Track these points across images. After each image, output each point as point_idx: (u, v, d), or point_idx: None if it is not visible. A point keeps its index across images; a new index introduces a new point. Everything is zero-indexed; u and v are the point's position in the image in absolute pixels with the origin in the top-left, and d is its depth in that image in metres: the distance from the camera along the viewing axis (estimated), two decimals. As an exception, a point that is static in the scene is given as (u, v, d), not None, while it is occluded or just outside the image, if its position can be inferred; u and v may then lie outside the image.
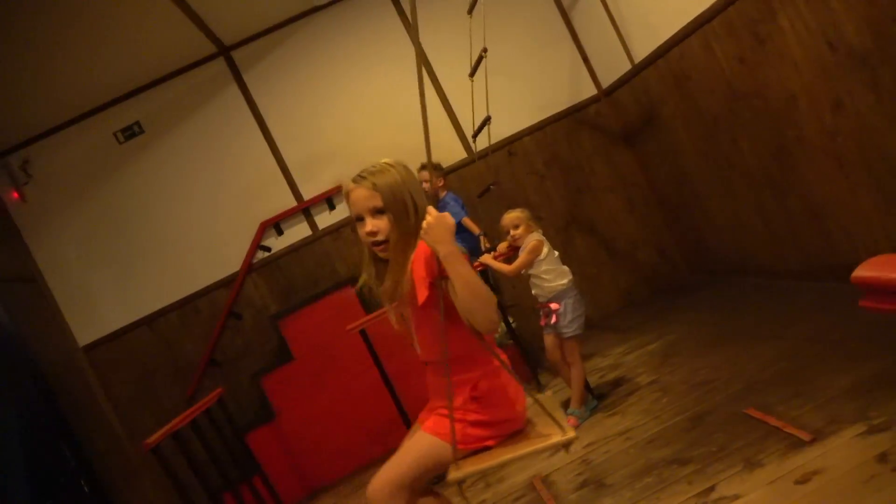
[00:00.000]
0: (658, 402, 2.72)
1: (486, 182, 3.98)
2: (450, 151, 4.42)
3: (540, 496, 2.39)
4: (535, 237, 2.87)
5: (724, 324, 3.30)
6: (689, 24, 3.20)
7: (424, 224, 1.43)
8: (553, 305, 2.86)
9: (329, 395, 3.84)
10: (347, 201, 1.59)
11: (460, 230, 3.89)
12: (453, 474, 1.53)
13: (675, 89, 3.61)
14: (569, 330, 2.84)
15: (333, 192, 4.33)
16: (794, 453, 1.89)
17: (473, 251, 3.73)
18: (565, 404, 2.97)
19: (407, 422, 3.06)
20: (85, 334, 4.17)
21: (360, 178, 1.55)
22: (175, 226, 4.28)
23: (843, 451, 1.80)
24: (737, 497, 1.81)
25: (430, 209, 1.46)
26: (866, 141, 2.49)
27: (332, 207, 4.36)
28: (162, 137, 4.28)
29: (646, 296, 4.49)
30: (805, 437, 1.94)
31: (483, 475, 2.85)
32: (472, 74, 3.47)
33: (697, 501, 1.89)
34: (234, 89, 4.31)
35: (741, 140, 3.27)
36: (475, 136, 3.63)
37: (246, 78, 4.32)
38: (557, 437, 1.52)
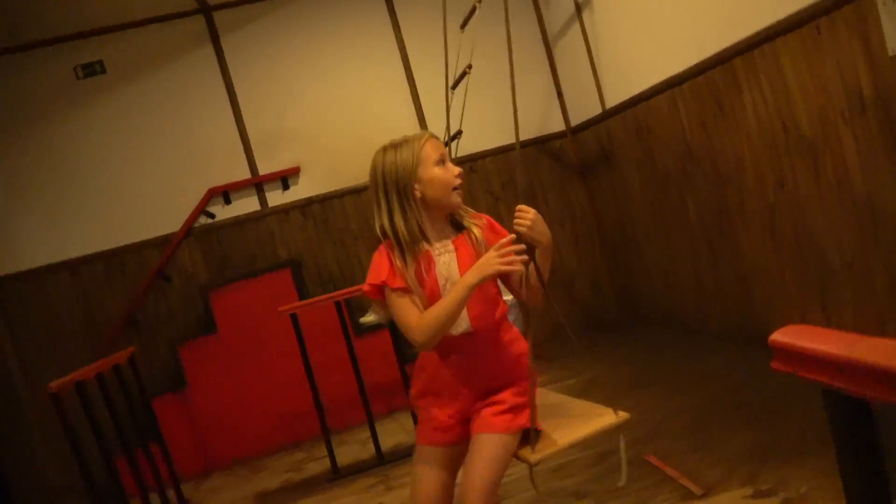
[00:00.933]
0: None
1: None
2: (412, 155, 4.44)
3: None
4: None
5: (642, 369, 3.43)
6: (660, 82, 3.33)
7: (529, 219, 1.47)
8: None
9: (246, 374, 3.77)
10: (421, 148, 1.50)
11: None
12: (535, 457, 1.46)
13: (637, 138, 3.75)
14: None
15: (290, 172, 4.28)
16: None
17: None
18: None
19: (322, 415, 3.03)
20: (-3, 266, 3.97)
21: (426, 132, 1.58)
22: (119, 174, 4.13)
23: (728, 507, 1.90)
24: (624, 536, 1.89)
25: (527, 208, 1.50)
26: (799, 221, 2.66)
27: (285, 187, 4.30)
28: (124, 82, 4.13)
29: (574, 329, 4.59)
30: (697, 490, 2.03)
31: (385, 477, 2.87)
32: (453, 87, 3.52)
33: (587, 534, 1.96)
34: (210, 51, 4.22)
35: (688, 198, 3.42)
36: (446, 145, 3.67)
37: (223, 41, 4.23)
38: (612, 418, 1.54)
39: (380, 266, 1.51)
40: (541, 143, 4.60)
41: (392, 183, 1.50)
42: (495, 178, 4.57)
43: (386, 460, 3.02)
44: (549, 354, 4.19)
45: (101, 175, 4.12)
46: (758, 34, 2.58)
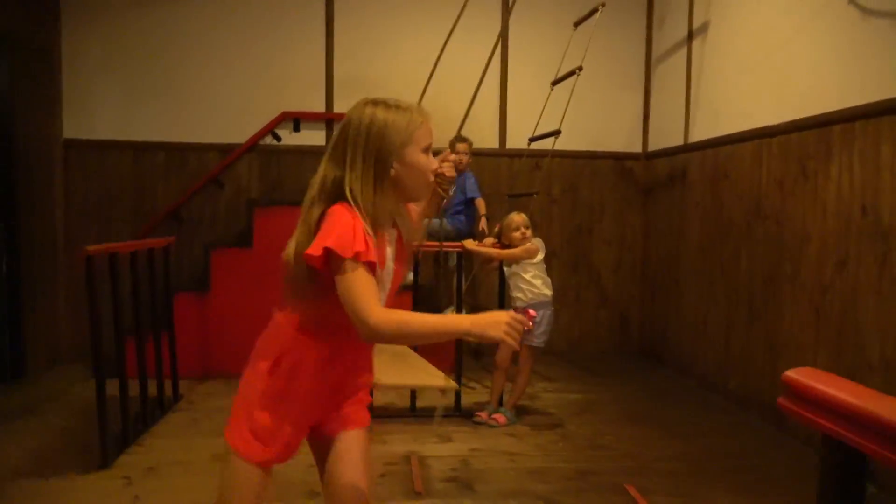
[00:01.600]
0: (555, 444, 2.79)
1: (503, 178, 4.02)
2: (482, 137, 4.42)
3: (410, 471, 2.44)
4: (538, 240, 3.06)
5: (646, 406, 3.38)
6: (750, 129, 3.24)
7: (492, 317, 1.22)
8: (531, 312, 2.93)
9: (265, 294, 3.83)
10: (418, 127, 1.32)
11: (467, 207, 3.95)
12: None
13: (710, 181, 3.66)
14: (538, 340, 2.99)
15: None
16: (649, 540, 1.97)
17: (465, 233, 3.78)
18: (479, 406, 3.08)
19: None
20: (72, 128, 4.12)
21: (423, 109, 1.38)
22: (202, 73, 4.23)
23: (693, 557, 1.87)
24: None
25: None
26: (850, 306, 2.57)
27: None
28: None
29: (591, 351, 4.55)
30: (665, 530, 2.01)
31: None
32: (554, 83, 3.50)
33: (546, 540, 1.96)
34: (319, -22, 4.27)
35: (743, 254, 3.34)
36: (535, 139, 3.66)
37: (336, -27, 4.27)
38: (441, 382, 1.59)
39: (354, 231, 1.23)
40: (613, 159, 4.53)
41: (374, 148, 1.28)
42: (557, 181, 4.53)
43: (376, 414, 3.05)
44: (557, 365, 4.17)
45: (185, 69, 4.23)
46: (866, 106, 2.48)
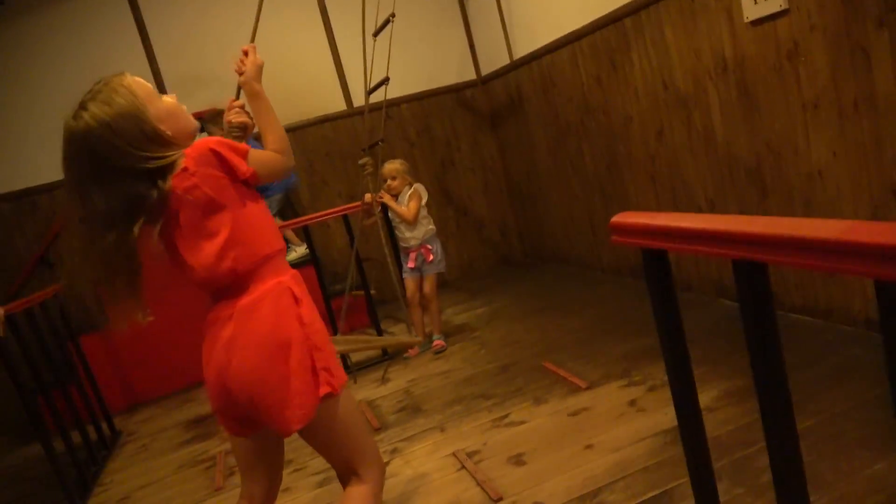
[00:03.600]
0: (477, 353, 3.17)
1: (359, 136, 4.22)
2: (331, 100, 4.58)
3: (364, 414, 2.73)
4: (420, 186, 3.32)
5: (541, 299, 3.85)
6: (562, 37, 3.66)
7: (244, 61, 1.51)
8: (428, 247, 3.29)
9: (169, 310, 3.87)
10: (133, 84, 1.32)
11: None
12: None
13: (541, 92, 4.09)
14: (437, 268, 3.35)
15: (206, 114, 4.31)
16: (573, 396, 2.40)
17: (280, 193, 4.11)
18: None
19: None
20: None
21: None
22: (25, 112, 4.02)
23: (607, 396, 2.32)
24: (523, 422, 2.28)
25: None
26: (674, 167, 3.09)
27: (202, 130, 4.33)
28: (25, 15, 3.98)
29: (483, 269, 4.99)
30: (582, 384, 2.45)
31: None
32: (375, 34, 3.67)
33: (493, 424, 2.33)
34: (117, -14, 4.13)
35: (585, 148, 3.81)
36: (370, 92, 3.84)
37: (132, -22, 4.15)
38: (408, 338, 1.84)
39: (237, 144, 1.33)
40: (454, 92, 4.85)
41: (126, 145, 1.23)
42: (411, 124, 4.79)
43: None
44: (459, 290, 4.57)
45: (1, 113, 4.00)
46: None
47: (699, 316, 2.89)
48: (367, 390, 3.02)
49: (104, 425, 3.29)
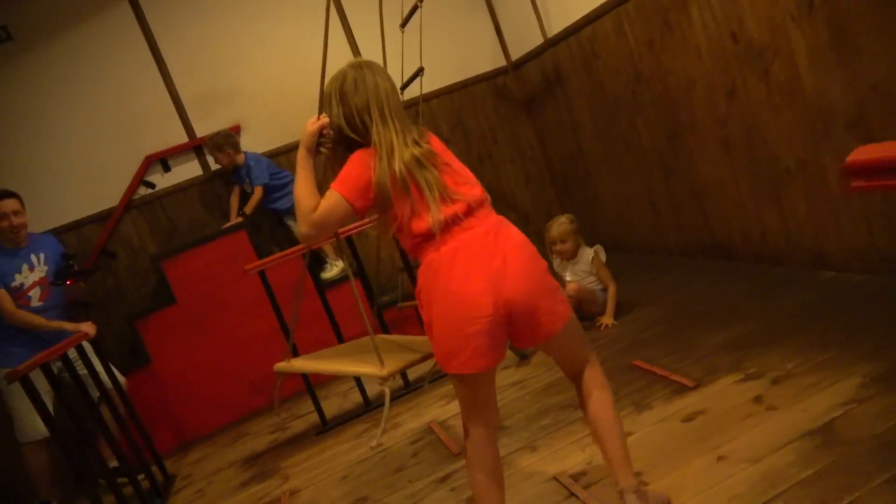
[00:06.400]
0: (547, 357, 2.86)
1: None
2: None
3: (438, 438, 2.44)
4: (599, 248, 3.13)
5: (608, 292, 3.52)
6: (603, 3, 3.35)
7: None
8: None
9: (211, 341, 3.65)
10: None
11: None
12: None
13: (583, 67, 3.78)
14: None
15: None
16: (679, 397, 2.08)
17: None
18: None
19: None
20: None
21: None
22: (44, 151, 3.85)
23: (723, 394, 2.00)
24: (629, 433, 1.96)
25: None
26: (752, 129, 2.76)
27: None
28: (34, 49, 3.81)
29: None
30: (689, 383, 2.13)
31: (377, 422, 2.87)
32: (402, 25, 3.42)
33: (592, 439, 2.02)
34: (126, 8, 3.93)
35: (639, 122, 3.49)
36: (405, 86, 3.58)
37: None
38: (373, 370, 1.85)
39: None
40: (483, 81, 4.57)
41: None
42: (442, 119, 4.52)
43: (373, 405, 3.02)
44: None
45: (21, 154, 3.83)
46: (703, -55, 2.61)
47: (799, 293, 2.55)
48: (435, 408, 2.74)
49: (155, 469, 3.06)
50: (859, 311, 2.20)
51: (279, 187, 3.93)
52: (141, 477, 2.87)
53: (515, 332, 1.44)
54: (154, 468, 3.03)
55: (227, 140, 3.83)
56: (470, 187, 1.48)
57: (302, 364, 2.20)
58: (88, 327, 3.03)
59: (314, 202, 1.46)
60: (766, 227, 2.89)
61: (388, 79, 1.51)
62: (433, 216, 1.41)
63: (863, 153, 0.67)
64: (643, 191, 3.71)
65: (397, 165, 1.41)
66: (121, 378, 3.16)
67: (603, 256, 3.08)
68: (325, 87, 1.56)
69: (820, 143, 2.47)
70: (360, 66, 1.51)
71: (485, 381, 1.47)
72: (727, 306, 2.69)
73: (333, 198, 1.44)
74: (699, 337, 2.49)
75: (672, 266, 3.52)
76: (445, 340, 1.42)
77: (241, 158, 3.87)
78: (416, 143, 1.46)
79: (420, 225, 1.42)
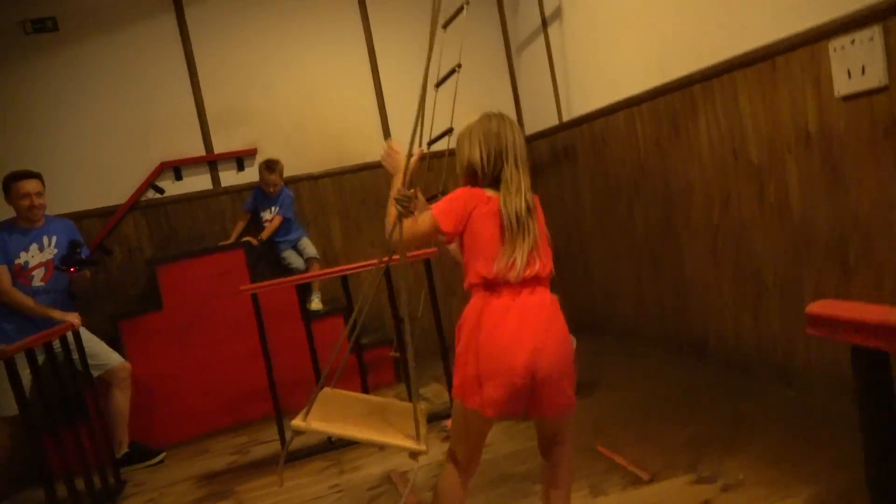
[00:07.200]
0: (516, 425, 2.93)
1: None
2: (372, 147, 4.48)
3: (396, 489, 2.49)
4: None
5: (582, 369, 3.59)
6: (621, 100, 3.54)
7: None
8: None
9: (189, 353, 3.69)
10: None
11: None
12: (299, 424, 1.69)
13: (592, 151, 3.96)
14: None
15: (246, 153, 4.22)
16: (634, 488, 2.16)
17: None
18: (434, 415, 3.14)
19: (275, 397, 3.02)
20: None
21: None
22: (63, 138, 3.95)
23: (675, 493, 2.08)
24: (581, 515, 2.03)
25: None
26: (740, 240, 2.91)
27: (240, 168, 4.24)
28: (77, 43, 3.96)
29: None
30: (644, 476, 2.21)
31: (338, 461, 2.90)
32: (437, 85, 3.59)
33: (546, 514, 2.08)
34: (172, 20, 4.10)
35: (636, 211, 3.65)
36: (432, 142, 3.73)
37: (187, 12, 4.12)
38: (412, 444, 1.67)
39: None
40: (496, 148, 4.73)
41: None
42: (451, 178, 4.66)
43: (336, 444, 3.05)
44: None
45: (43, 137, 3.93)
46: (719, 64, 2.81)
47: (764, 404, 2.65)
48: (397, 458, 2.79)
49: (109, 473, 3.06)
50: (816, 432, 2.30)
51: (291, 225, 4.06)
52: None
53: (533, 399, 1.58)
54: (108, 471, 3.03)
55: (280, 167, 4.04)
56: (549, 258, 1.65)
57: (324, 427, 1.71)
58: (74, 318, 3.08)
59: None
60: (741, 335, 3.02)
61: (522, 134, 1.71)
62: (518, 266, 1.56)
63: (820, 307, 0.78)
64: (631, 277, 3.84)
65: (520, 203, 1.58)
66: (118, 362, 3.30)
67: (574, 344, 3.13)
68: (465, 129, 1.73)
69: (801, 266, 2.62)
70: (502, 118, 1.70)
71: (486, 426, 1.65)
72: (695, 404, 2.78)
73: (428, 216, 1.62)
74: (664, 430, 2.57)
75: (649, 354, 3.62)
76: (476, 379, 1.56)
77: (279, 188, 4.00)
78: (529, 197, 1.63)
79: (492, 268, 1.57)
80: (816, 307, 0.77)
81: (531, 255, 1.58)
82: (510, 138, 1.64)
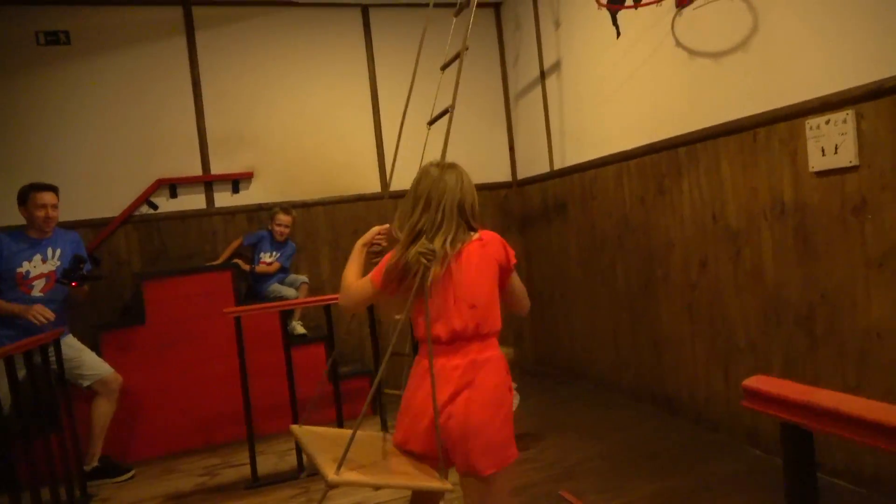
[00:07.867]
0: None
1: (391, 219, 4.17)
2: (367, 180, 4.58)
3: None
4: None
5: (556, 415, 3.66)
6: (611, 154, 3.67)
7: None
8: None
9: (167, 370, 3.70)
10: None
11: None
12: (335, 479, 1.46)
13: (580, 202, 4.07)
14: None
15: (243, 176, 4.30)
16: (596, 536, 2.19)
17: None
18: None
19: (249, 420, 3.04)
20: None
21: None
22: (64, 149, 4.01)
23: (635, 543, 2.12)
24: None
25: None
26: (715, 300, 3.00)
27: (235, 191, 4.31)
28: (87, 58, 4.05)
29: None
30: (607, 525, 2.25)
31: (306, 490, 2.91)
32: (430, 123, 3.69)
33: (507, 557, 2.11)
34: (181, 42, 4.22)
35: (618, 264, 3.75)
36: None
37: (197, 36, 4.24)
38: (437, 484, 1.59)
39: None
40: (487, 190, 4.86)
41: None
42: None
43: (308, 472, 3.06)
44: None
45: (46, 145, 3.99)
46: (705, 130, 2.94)
47: (730, 463, 2.71)
48: (363, 493, 2.80)
49: (76, 485, 3.04)
50: (778, 494, 2.35)
51: (284, 273, 4.15)
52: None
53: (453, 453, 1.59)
54: (75, 484, 3.01)
55: (294, 213, 4.17)
56: (488, 313, 1.64)
57: (358, 478, 1.54)
58: (38, 310, 3.02)
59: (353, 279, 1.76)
60: (712, 393, 3.09)
61: (458, 182, 1.75)
62: (439, 324, 1.61)
63: (756, 382, 0.85)
64: (610, 328, 3.92)
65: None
66: (109, 372, 3.31)
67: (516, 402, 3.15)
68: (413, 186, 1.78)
69: (771, 331, 2.71)
70: (456, 167, 1.78)
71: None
72: (663, 458, 2.83)
73: (364, 281, 1.71)
74: (630, 482, 2.62)
75: (623, 405, 3.68)
76: (401, 432, 1.68)
77: (285, 235, 4.10)
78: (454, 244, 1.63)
79: (421, 328, 1.63)
80: (751, 381, 0.84)
81: (451, 312, 1.58)
82: (448, 187, 1.73)
